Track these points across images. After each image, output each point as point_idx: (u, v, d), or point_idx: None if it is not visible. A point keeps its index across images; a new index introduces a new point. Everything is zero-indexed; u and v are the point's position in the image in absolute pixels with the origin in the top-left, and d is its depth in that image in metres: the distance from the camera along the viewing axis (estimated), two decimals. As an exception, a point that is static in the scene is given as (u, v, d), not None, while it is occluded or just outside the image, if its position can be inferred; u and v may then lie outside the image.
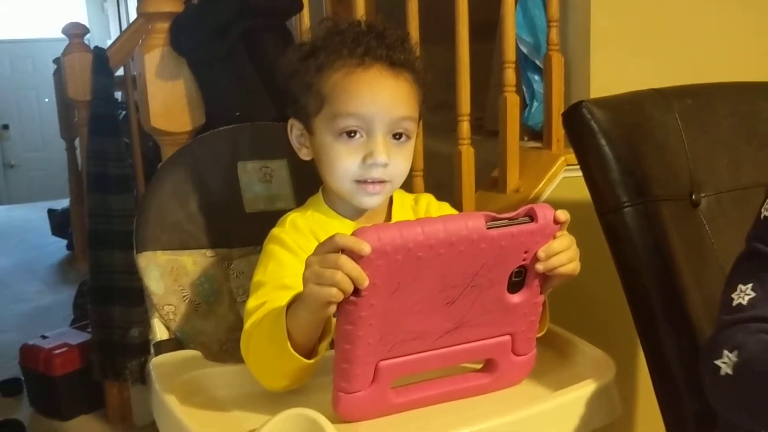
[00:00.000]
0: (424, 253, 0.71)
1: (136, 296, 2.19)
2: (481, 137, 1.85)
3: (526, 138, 1.75)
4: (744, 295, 0.79)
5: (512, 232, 0.74)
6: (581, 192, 1.20)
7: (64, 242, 4.24)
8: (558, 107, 1.63)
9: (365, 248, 0.68)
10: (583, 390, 0.81)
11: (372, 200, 0.92)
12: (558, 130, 1.65)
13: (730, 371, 0.75)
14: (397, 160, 0.91)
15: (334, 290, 0.69)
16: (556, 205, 1.66)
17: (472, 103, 1.61)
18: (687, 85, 1.15)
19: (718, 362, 0.75)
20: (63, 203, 4.22)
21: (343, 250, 0.69)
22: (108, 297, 2.17)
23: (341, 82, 0.89)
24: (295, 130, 0.97)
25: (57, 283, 3.78)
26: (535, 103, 1.75)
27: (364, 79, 0.89)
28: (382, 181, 0.91)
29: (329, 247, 0.70)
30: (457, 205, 1.63)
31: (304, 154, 0.98)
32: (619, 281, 1.07)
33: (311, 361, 0.78)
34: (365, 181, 0.90)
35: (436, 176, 1.69)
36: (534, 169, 1.65)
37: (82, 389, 2.26)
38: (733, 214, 1.08)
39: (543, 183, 1.61)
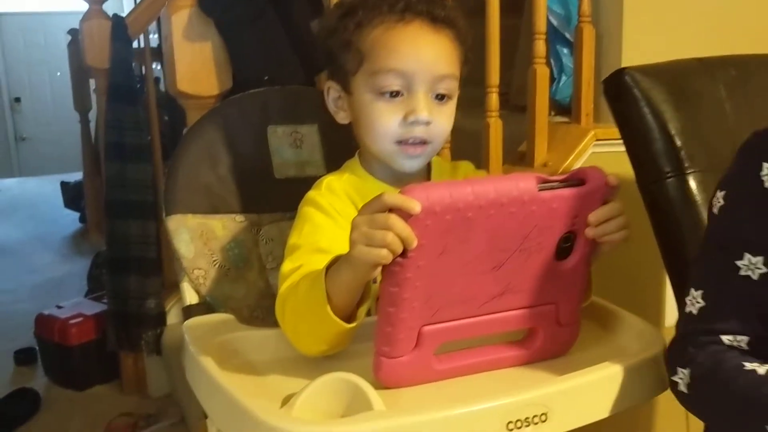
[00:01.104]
0: (474, 213, 0.68)
1: (152, 267, 2.18)
2: (507, 112, 1.82)
3: (553, 113, 1.72)
4: (695, 302, 0.77)
5: (563, 194, 0.72)
6: (612, 167, 1.16)
7: (77, 215, 4.24)
8: (588, 81, 1.60)
9: (415, 207, 0.65)
10: (630, 362, 0.79)
11: (413, 163, 0.89)
12: (588, 105, 1.62)
13: (684, 389, 0.75)
14: (440, 119, 0.88)
15: (384, 251, 0.66)
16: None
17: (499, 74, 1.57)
18: (731, 56, 1.12)
19: (675, 378, 0.75)
20: (76, 176, 4.21)
21: (391, 210, 0.67)
22: (124, 267, 2.16)
23: (381, 38, 0.87)
24: (332, 92, 0.94)
25: (70, 255, 3.78)
26: (564, 77, 1.72)
27: (404, 35, 0.86)
28: (423, 143, 0.88)
29: (377, 207, 0.68)
30: (484, 178, 1.60)
31: (342, 118, 0.95)
32: (656, 256, 1.04)
33: (350, 325, 0.75)
34: (406, 142, 0.87)
35: (460, 152, 1.66)
36: (562, 143, 1.62)
37: (97, 359, 2.26)
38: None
39: (572, 158, 1.58)
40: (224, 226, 1.05)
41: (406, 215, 0.66)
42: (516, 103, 1.89)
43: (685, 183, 0.99)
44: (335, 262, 0.74)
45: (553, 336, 0.81)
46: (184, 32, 1.27)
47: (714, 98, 1.06)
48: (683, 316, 0.78)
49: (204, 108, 1.31)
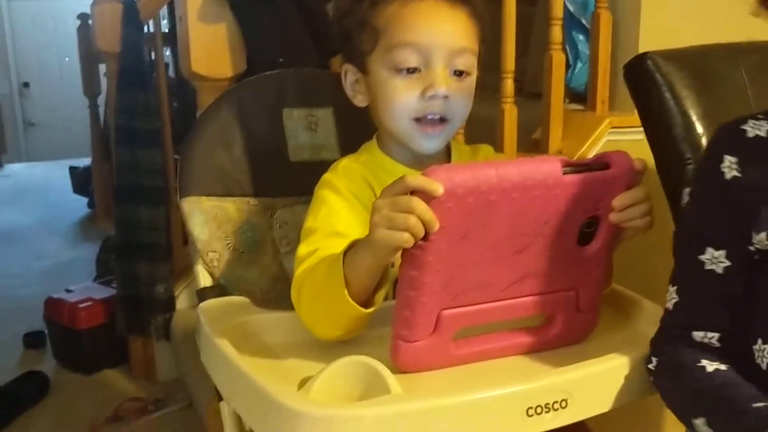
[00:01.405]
0: (497, 196, 0.67)
1: (161, 252, 2.18)
2: (521, 99, 1.80)
3: (567, 101, 1.70)
4: (671, 298, 0.78)
5: (588, 178, 0.71)
6: (627, 155, 1.16)
7: (85, 200, 4.24)
8: (605, 68, 1.59)
9: (438, 189, 0.64)
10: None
11: (431, 143, 0.88)
12: (603, 92, 1.60)
13: (652, 377, 0.76)
14: (458, 95, 0.86)
15: (407, 235, 0.65)
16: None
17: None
18: (755, 41, 1.10)
19: (649, 366, 0.76)
20: (84, 162, 4.21)
21: (413, 192, 0.66)
22: (134, 252, 2.16)
23: (396, 13, 0.85)
24: (349, 75, 0.93)
25: (78, 240, 3.79)
26: (579, 64, 1.71)
27: (419, 9, 0.85)
28: (442, 120, 0.86)
29: (399, 189, 0.66)
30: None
31: (360, 101, 0.93)
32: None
33: (368, 310, 0.74)
34: (425, 119, 0.86)
35: (472, 139, 1.65)
36: (578, 131, 1.60)
37: (106, 343, 2.26)
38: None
39: (587, 145, 1.56)
40: (238, 208, 1.04)
41: (428, 198, 0.65)
42: (530, 91, 1.87)
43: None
44: (353, 246, 0.72)
45: (572, 322, 0.80)
46: (199, 13, 1.26)
47: (736, 84, 1.04)
48: (664, 312, 0.79)
49: (218, 90, 1.29)
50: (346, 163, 0.92)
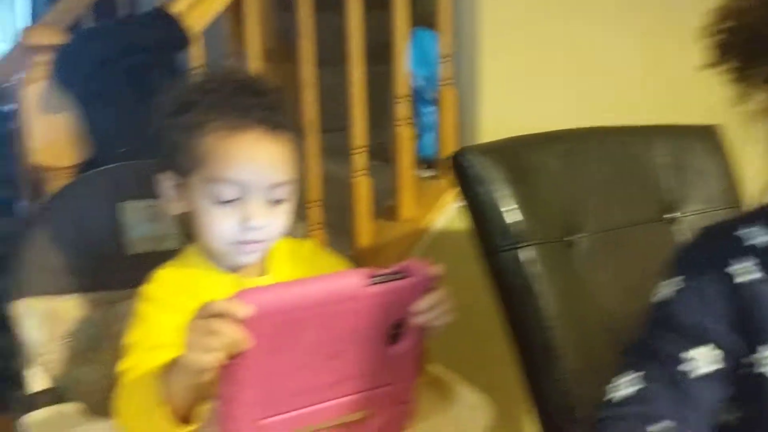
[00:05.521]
0: (303, 313, 0.72)
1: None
2: (382, 163, 1.85)
3: (425, 166, 1.79)
4: (631, 383, 0.76)
5: (390, 288, 0.76)
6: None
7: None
8: (451, 140, 1.69)
9: (241, 311, 0.68)
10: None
11: (250, 258, 0.92)
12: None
13: None
14: (275, 222, 0.89)
15: (216, 356, 0.68)
16: (449, 234, 1.72)
17: (373, 125, 1.63)
18: (564, 130, 1.21)
19: None
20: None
21: (221, 315, 0.69)
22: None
23: (217, 145, 0.85)
24: (166, 183, 0.93)
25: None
26: (428, 133, 1.80)
27: (241, 144, 0.85)
28: (260, 241, 0.90)
29: (207, 313, 0.70)
30: (353, 234, 1.65)
31: (174, 209, 0.93)
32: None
33: (187, 429, 0.76)
34: (243, 242, 0.89)
35: (339, 201, 1.70)
36: (428, 198, 1.69)
37: (-36, 423, 2.14)
38: (607, 253, 1.15)
39: (436, 213, 1.65)
40: (75, 306, 1.04)
41: (237, 319, 0.69)
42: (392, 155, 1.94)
43: (517, 256, 1.06)
44: (170, 365, 0.75)
45: (391, 415, 0.85)
46: (39, 104, 1.26)
47: (547, 172, 1.14)
48: (612, 394, 0.77)
49: (62, 178, 1.29)
50: (164, 272, 0.94)
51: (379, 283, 0.76)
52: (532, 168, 1.12)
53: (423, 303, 0.78)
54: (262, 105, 0.87)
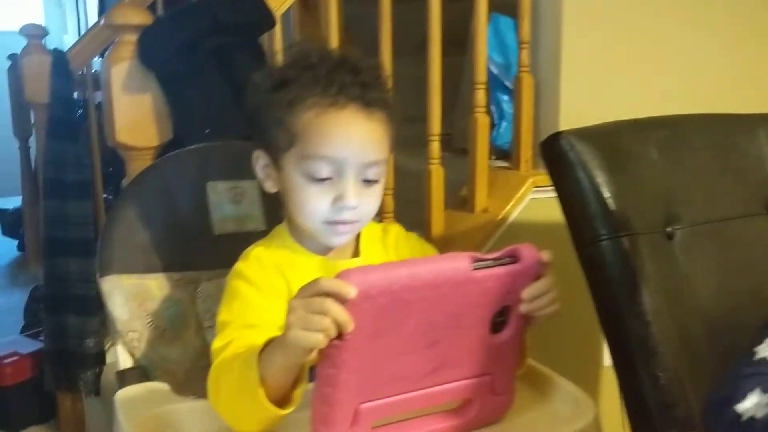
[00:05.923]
0: (409, 295, 0.69)
1: (92, 305, 2.12)
2: (450, 154, 1.83)
3: (494, 157, 1.75)
4: None
5: (497, 273, 0.73)
6: (549, 213, 1.19)
7: (15, 242, 4.10)
8: (527, 129, 1.64)
9: (351, 292, 0.66)
10: (564, 430, 0.80)
11: (341, 239, 0.91)
12: (526, 151, 1.65)
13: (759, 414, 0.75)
14: (367, 201, 0.88)
15: (321, 336, 0.66)
16: (524, 226, 1.67)
17: (441, 119, 1.60)
18: (664, 116, 1.15)
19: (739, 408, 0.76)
20: (14, 201, 4.08)
21: (327, 294, 0.67)
22: (63, 306, 2.10)
23: (313, 122, 0.85)
24: (261, 160, 0.93)
25: (6, 287, 3.65)
26: (504, 123, 1.76)
27: (337, 121, 0.85)
28: (352, 221, 0.89)
29: (314, 291, 0.67)
30: (426, 224, 1.62)
31: (270, 186, 0.93)
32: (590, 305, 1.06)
33: (284, 411, 0.75)
34: (335, 222, 0.88)
35: (407, 193, 1.68)
36: (503, 189, 1.65)
37: (34, 399, 2.19)
38: (708, 246, 1.09)
39: (511, 204, 1.61)
40: (160, 285, 1.04)
41: (342, 299, 0.66)
42: (459, 146, 1.92)
43: (619, 246, 1.01)
44: (269, 344, 0.73)
45: (488, 405, 0.82)
46: (124, 84, 1.25)
47: (647, 160, 1.09)
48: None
49: (144, 159, 1.29)
50: (257, 251, 0.93)
51: (486, 267, 0.72)
52: (632, 154, 1.07)
53: (531, 290, 0.75)
54: (358, 82, 0.86)
